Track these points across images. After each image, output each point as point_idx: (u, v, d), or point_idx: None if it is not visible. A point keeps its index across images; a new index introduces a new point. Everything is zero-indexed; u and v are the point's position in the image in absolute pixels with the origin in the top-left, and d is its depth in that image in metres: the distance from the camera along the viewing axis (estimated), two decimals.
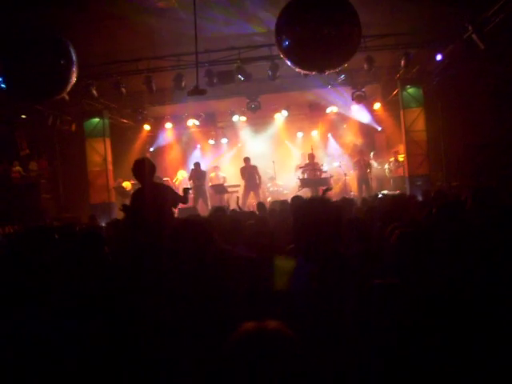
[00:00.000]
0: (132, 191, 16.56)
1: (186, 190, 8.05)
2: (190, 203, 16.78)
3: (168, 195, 7.24)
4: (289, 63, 8.29)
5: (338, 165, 18.73)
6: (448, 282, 3.01)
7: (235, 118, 19.21)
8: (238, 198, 12.31)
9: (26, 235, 6.72)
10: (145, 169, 6.99)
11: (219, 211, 7.77)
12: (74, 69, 8.55)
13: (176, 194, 7.71)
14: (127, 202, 16.93)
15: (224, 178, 18.75)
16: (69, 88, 8.91)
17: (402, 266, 3.54)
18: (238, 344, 1.55)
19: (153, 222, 6.33)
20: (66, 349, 2.69)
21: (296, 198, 8.32)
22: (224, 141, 20.91)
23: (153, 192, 6.89)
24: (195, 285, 3.11)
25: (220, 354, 1.56)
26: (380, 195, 12.17)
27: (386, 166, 18.67)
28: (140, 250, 4.26)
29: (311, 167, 16.61)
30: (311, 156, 17.19)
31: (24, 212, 12.79)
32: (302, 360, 1.54)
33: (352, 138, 20.04)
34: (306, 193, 15.36)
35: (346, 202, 7.78)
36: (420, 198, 11.34)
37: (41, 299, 3.24)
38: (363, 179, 17.26)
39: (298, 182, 16.71)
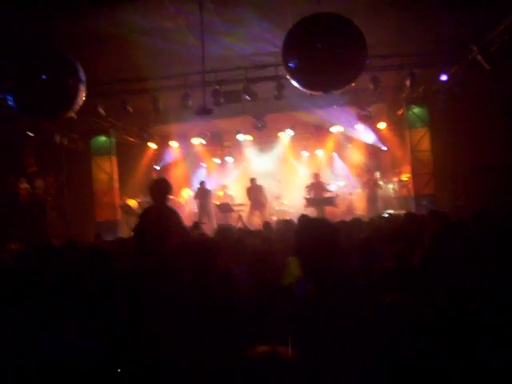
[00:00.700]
0: (138, 209, 16.72)
1: (196, 225, 7.95)
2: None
3: (174, 221, 7.20)
4: (295, 84, 8.34)
5: (343, 184, 18.75)
6: (453, 298, 3.03)
7: (241, 136, 19.26)
8: (240, 215, 12.31)
9: (30, 253, 6.75)
10: (160, 189, 7.01)
11: (225, 230, 7.77)
12: (83, 88, 8.63)
13: (181, 225, 7.53)
14: (133, 220, 17.12)
15: (231, 196, 18.82)
16: (77, 107, 8.97)
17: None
18: (251, 366, 1.56)
19: (160, 242, 6.32)
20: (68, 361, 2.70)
21: (303, 217, 8.30)
22: (230, 160, 20.97)
23: (165, 213, 6.88)
24: (197, 304, 3.12)
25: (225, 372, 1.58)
26: (386, 215, 12.16)
27: (391, 185, 18.67)
28: (144, 270, 4.27)
29: (317, 186, 16.62)
30: (316, 175, 17.21)
31: (30, 230, 12.82)
32: None
33: (357, 157, 20.03)
34: (312, 212, 15.36)
35: (356, 222, 7.78)
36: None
37: (44, 314, 3.27)
38: (372, 198, 17.25)
39: (304, 201, 16.73)
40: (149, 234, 6.63)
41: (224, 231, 7.72)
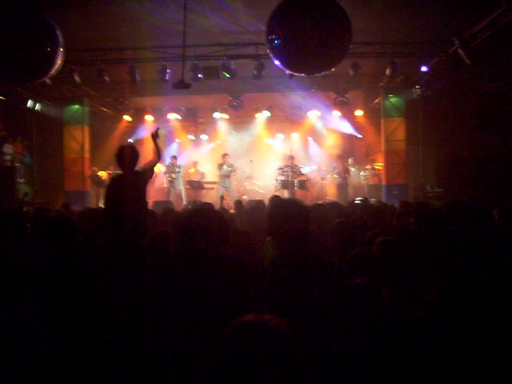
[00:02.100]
0: (107, 181, 16.53)
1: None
2: (165, 197, 16.74)
3: (146, 178, 7.03)
4: (277, 63, 8.26)
5: (316, 168, 18.76)
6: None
7: (216, 114, 19.15)
8: (221, 198, 12.26)
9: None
10: (128, 156, 6.76)
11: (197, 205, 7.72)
12: (60, 53, 8.43)
13: (148, 164, 7.30)
14: (102, 191, 16.93)
15: (203, 174, 18.73)
16: (53, 72, 8.77)
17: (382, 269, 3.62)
18: (237, 335, 1.52)
19: (130, 211, 6.19)
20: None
21: (275, 198, 8.26)
22: (204, 137, 20.81)
23: (133, 181, 6.70)
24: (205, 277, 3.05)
25: (217, 344, 1.53)
26: (357, 201, 12.17)
27: (362, 173, 18.74)
28: (116, 241, 4.16)
29: (289, 169, 16.60)
30: (290, 158, 17.18)
31: None
32: (298, 358, 1.52)
33: (332, 143, 20.03)
34: (282, 195, 15.34)
35: (333, 206, 7.77)
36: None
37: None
38: (343, 185, 17.30)
39: (275, 183, 16.72)
40: (119, 202, 6.48)
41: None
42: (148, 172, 7.04)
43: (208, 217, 3.22)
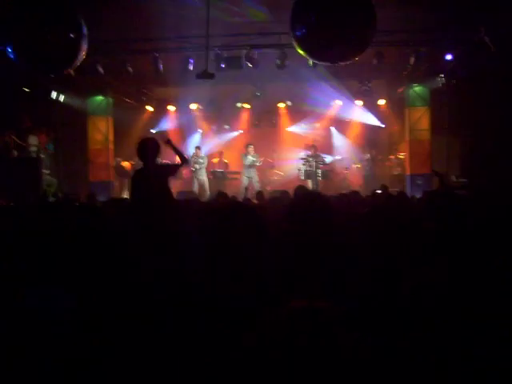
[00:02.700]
0: (131, 172, 16.63)
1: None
2: (189, 188, 16.79)
3: (169, 173, 7.10)
4: (301, 53, 8.22)
5: (339, 158, 18.70)
6: None
7: (239, 104, 19.14)
8: (246, 189, 12.25)
9: (26, 211, 6.67)
10: (149, 149, 6.82)
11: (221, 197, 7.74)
12: (84, 44, 8.48)
13: (174, 165, 7.39)
14: (126, 182, 17.03)
15: (227, 164, 18.73)
16: (77, 63, 8.83)
17: None
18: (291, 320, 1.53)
19: (155, 204, 6.25)
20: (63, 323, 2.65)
21: (300, 188, 8.23)
22: (226, 127, 20.79)
23: (156, 174, 6.76)
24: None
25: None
26: (379, 191, 12.11)
27: (387, 163, 18.63)
28: (144, 231, 4.20)
29: (313, 159, 16.55)
30: (313, 147, 17.14)
31: (24, 187, 12.66)
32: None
33: (355, 132, 19.90)
34: (306, 184, 15.31)
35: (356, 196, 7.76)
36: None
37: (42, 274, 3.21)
38: (368, 175, 17.23)
39: (299, 173, 16.68)
40: (145, 193, 6.55)
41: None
42: (172, 167, 7.11)
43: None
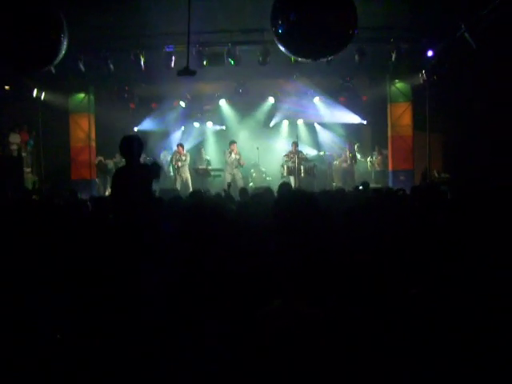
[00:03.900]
0: (114, 169, 16.54)
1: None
2: (171, 185, 16.73)
3: (152, 176, 7.03)
4: (283, 49, 8.23)
5: (322, 154, 18.74)
6: None
7: (222, 101, 19.13)
8: (229, 186, 12.20)
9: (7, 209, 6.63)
10: (133, 147, 6.74)
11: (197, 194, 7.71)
12: (65, 41, 8.42)
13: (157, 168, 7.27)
14: (109, 180, 16.93)
15: (208, 160, 18.69)
16: (58, 60, 8.76)
17: None
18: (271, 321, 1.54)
19: (137, 202, 6.20)
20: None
21: (284, 185, 8.23)
22: (209, 124, 20.73)
23: (140, 173, 6.70)
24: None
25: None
26: (360, 188, 12.15)
27: (369, 159, 18.69)
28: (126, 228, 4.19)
29: (295, 155, 16.58)
30: (295, 144, 17.17)
31: (5, 186, 12.55)
32: None
33: (338, 129, 19.94)
34: (288, 181, 15.32)
35: (339, 193, 7.77)
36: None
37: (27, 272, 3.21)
38: (349, 171, 17.29)
39: (281, 169, 16.70)
40: (123, 195, 6.49)
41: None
42: (156, 171, 7.00)
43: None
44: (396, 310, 2.50)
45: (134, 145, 6.74)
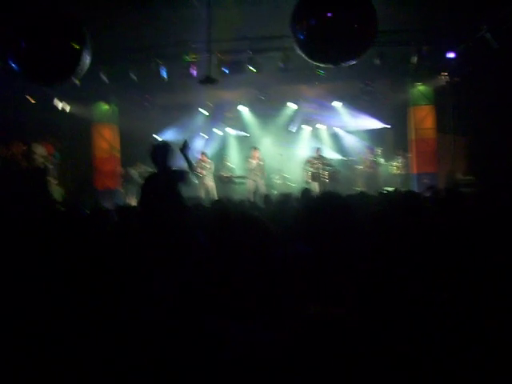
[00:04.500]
0: (138, 178, 16.67)
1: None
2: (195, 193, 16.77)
3: (180, 180, 7.04)
4: (302, 55, 8.24)
5: (345, 159, 18.70)
6: None
7: (243, 108, 19.20)
8: (254, 193, 12.21)
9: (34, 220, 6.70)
10: (163, 154, 6.80)
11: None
12: (88, 54, 8.51)
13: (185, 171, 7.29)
14: (134, 189, 17.07)
15: (232, 168, 18.73)
16: (81, 73, 8.86)
17: None
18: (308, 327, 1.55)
19: (166, 209, 6.25)
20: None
21: (306, 191, 8.25)
22: (231, 131, 20.80)
23: (167, 179, 6.74)
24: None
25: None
26: (385, 192, 12.11)
27: (394, 163, 18.59)
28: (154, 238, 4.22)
29: (318, 161, 16.58)
30: (317, 150, 17.17)
31: (32, 197, 12.67)
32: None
33: (360, 133, 19.87)
34: (313, 187, 15.33)
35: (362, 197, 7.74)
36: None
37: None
38: (373, 175, 17.23)
39: (305, 175, 16.68)
40: (153, 202, 6.53)
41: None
42: (183, 174, 7.03)
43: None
44: (424, 315, 2.49)
45: (163, 152, 6.81)
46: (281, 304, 2.53)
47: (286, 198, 9.21)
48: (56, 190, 15.25)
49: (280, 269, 3.09)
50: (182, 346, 2.42)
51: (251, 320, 1.96)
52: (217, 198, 14.61)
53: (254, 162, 17.09)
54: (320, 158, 16.63)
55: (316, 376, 1.49)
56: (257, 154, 17.26)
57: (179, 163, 7.32)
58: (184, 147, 7.17)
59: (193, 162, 7.31)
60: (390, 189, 14.54)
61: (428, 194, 8.97)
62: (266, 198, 10.26)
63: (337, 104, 18.91)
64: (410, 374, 1.93)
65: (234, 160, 19.72)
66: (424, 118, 16.72)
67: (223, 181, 17.69)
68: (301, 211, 3.55)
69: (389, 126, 19.34)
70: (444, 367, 2.10)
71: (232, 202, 9.58)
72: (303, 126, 20.41)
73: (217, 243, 3.12)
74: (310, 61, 8.46)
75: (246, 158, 17.60)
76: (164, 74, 13.83)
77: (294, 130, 20.15)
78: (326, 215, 3.26)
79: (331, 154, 18.61)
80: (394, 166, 18.42)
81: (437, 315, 2.47)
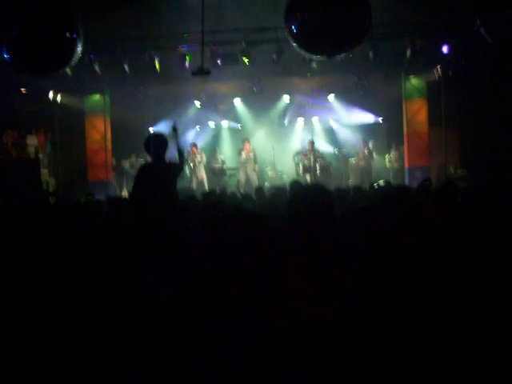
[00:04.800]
0: (131, 170, 16.65)
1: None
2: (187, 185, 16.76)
3: (176, 172, 7.04)
4: (297, 48, 8.22)
5: (338, 153, 18.68)
6: None
7: (236, 100, 19.16)
8: (238, 181, 12.10)
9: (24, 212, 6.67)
10: (159, 144, 6.79)
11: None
12: (80, 43, 8.47)
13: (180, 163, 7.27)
14: (126, 181, 17.05)
15: (223, 160, 18.69)
16: (73, 62, 8.81)
17: None
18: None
19: (159, 200, 6.24)
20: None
21: (295, 184, 8.21)
22: (224, 123, 20.74)
23: (162, 170, 6.73)
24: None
25: None
26: (375, 185, 12.11)
27: (386, 156, 18.60)
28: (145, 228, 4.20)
29: (311, 153, 16.56)
30: (310, 142, 17.15)
31: (23, 188, 12.62)
32: None
33: (353, 126, 19.85)
34: (305, 180, 15.35)
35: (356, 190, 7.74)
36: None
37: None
38: (366, 169, 17.24)
39: (297, 168, 16.68)
40: (146, 192, 6.51)
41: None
42: (179, 166, 7.04)
43: None
44: (420, 309, 2.49)
45: (159, 143, 6.79)
46: (276, 298, 2.52)
47: (278, 190, 9.20)
48: (47, 181, 15.19)
49: (275, 262, 3.08)
50: (177, 339, 2.41)
51: (246, 314, 1.94)
52: (207, 190, 14.63)
53: (245, 154, 17.08)
54: (313, 150, 16.61)
55: (312, 370, 1.48)
56: (248, 146, 17.25)
57: (172, 153, 7.29)
58: (173, 130, 7.17)
59: (183, 148, 7.27)
60: (381, 182, 14.55)
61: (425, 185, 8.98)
62: (258, 190, 10.23)
63: (330, 97, 18.89)
64: (407, 367, 1.93)
65: (227, 152, 19.68)
66: (417, 112, 16.72)
67: (215, 173, 17.66)
68: (287, 203, 3.53)
69: (381, 120, 19.35)
70: (441, 361, 2.10)
71: (224, 193, 9.56)
72: (296, 118, 20.37)
73: (210, 236, 3.11)
74: (303, 53, 8.44)
75: (239, 150, 17.59)
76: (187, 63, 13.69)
77: (286, 122, 20.12)
78: (308, 208, 3.25)
79: (324, 147, 18.57)
80: (387, 160, 18.43)
81: (433, 309, 2.47)
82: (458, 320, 2.33)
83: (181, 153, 7.18)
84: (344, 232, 4.68)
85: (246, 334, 1.69)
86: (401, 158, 17.78)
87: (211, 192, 8.09)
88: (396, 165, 18.04)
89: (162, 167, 6.75)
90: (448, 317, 2.37)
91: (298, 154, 17.49)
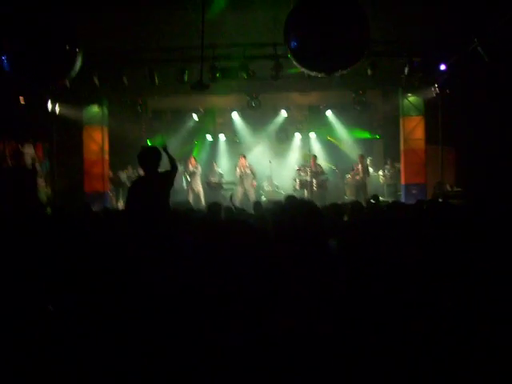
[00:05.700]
0: (127, 182, 16.64)
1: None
2: (184, 198, 16.76)
3: (169, 183, 7.05)
4: (296, 63, 8.27)
5: (334, 168, 18.73)
6: None
7: (234, 114, 19.22)
8: (231, 195, 12.06)
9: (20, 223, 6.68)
10: (152, 158, 6.79)
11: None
12: (80, 55, 8.50)
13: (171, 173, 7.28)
14: (123, 192, 17.03)
15: (221, 174, 18.71)
16: (73, 74, 8.85)
17: None
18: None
19: (154, 212, 6.25)
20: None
21: (290, 198, 8.18)
22: (221, 137, 20.78)
23: (155, 183, 6.74)
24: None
25: None
26: (372, 201, 12.13)
27: (381, 172, 18.65)
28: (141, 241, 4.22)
29: (308, 169, 16.62)
30: (312, 158, 17.23)
31: (20, 197, 12.62)
32: None
33: (350, 142, 19.90)
34: (302, 195, 15.38)
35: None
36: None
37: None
38: (361, 185, 17.28)
39: (294, 183, 16.71)
40: (139, 205, 6.52)
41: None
42: (171, 176, 7.05)
43: None
44: (418, 319, 2.50)
45: (152, 156, 6.80)
46: (271, 309, 2.54)
47: (275, 205, 9.17)
48: (43, 191, 15.19)
49: (272, 273, 3.10)
50: (173, 345, 2.42)
51: (241, 322, 1.96)
52: (210, 203, 14.60)
53: (240, 169, 17.16)
54: (315, 166, 16.70)
55: (308, 381, 1.49)
56: (243, 161, 17.30)
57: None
58: (165, 147, 7.19)
59: (173, 158, 7.25)
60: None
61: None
62: (257, 204, 10.24)
63: (328, 112, 18.98)
64: (407, 374, 1.94)
65: (224, 166, 19.71)
66: (414, 129, 16.78)
67: (212, 187, 17.68)
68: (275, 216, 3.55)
69: (378, 136, 19.44)
70: (440, 369, 2.12)
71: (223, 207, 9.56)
72: (294, 133, 20.42)
73: (209, 247, 3.11)
74: (302, 69, 8.50)
75: (235, 164, 17.64)
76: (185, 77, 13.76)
77: (284, 137, 20.16)
78: (294, 222, 3.28)
79: (321, 162, 18.62)
80: (382, 176, 18.48)
81: (432, 319, 2.49)
82: (452, 329, 2.35)
83: (171, 159, 7.18)
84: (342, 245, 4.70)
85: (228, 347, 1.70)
86: (396, 174, 17.82)
87: (214, 205, 8.08)
88: (391, 181, 18.07)
89: (155, 179, 6.75)
90: (443, 326, 2.39)
91: (297, 169, 17.58)
